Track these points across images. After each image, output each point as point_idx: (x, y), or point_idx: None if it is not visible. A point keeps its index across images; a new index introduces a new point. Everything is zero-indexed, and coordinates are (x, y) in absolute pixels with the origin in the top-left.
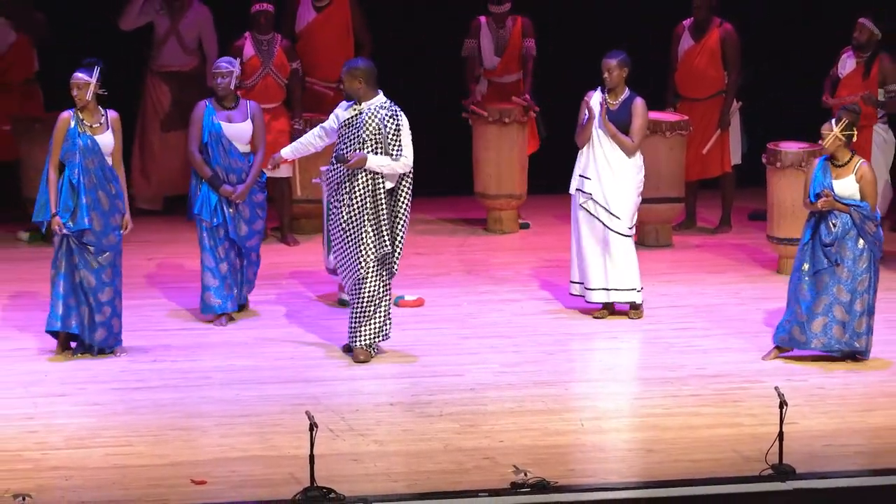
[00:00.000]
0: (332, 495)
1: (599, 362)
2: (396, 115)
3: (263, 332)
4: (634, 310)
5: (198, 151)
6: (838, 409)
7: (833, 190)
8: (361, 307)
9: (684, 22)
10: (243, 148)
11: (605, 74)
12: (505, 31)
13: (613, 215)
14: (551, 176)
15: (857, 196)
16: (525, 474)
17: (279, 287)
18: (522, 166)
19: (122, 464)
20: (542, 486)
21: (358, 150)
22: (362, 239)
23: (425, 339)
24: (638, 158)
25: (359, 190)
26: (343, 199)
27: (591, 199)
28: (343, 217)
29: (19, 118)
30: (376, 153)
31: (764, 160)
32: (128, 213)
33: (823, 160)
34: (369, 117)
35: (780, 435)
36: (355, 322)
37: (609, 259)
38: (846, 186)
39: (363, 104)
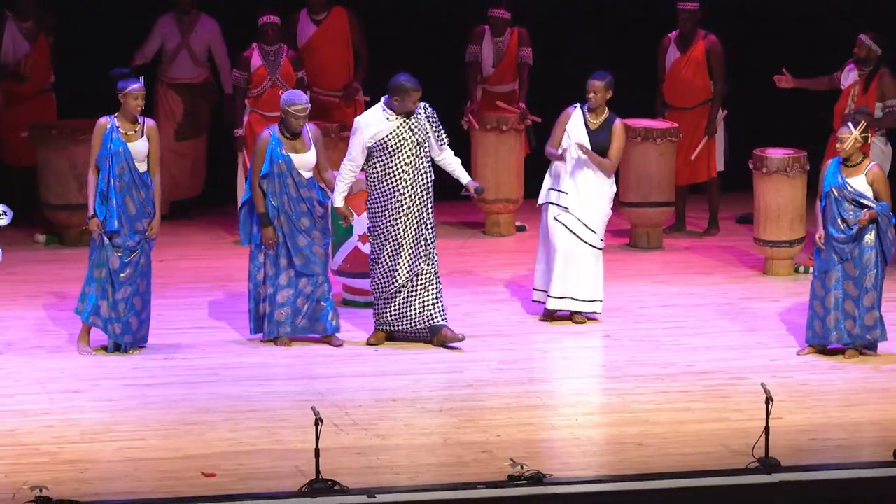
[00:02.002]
0: (337, 487)
1: (592, 360)
2: (430, 109)
3: None
4: (577, 314)
5: (259, 185)
6: (821, 405)
7: (847, 188)
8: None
9: (670, 34)
10: (308, 174)
11: (591, 94)
12: (502, 41)
13: (589, 228)
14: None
15: (869, 194)
16: (521, 467)
17: None
18: (519, 172)
19: (135, 457)
20: (537, 479)
21: (417, 153)
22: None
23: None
24: (608, 176)
25: (430, 188)
26: (427, 201)
27: (567, 212)
28: (430, 209)
29: (37, 125)
30: (425, 148)
31: (751, 165)
32: (157, 218)
33: (837, 161)
34: (416, 124)
35: (766, 429)
36: (440, 300)
37: (577, 271)
38: (857, 185)
39: (417, 111)
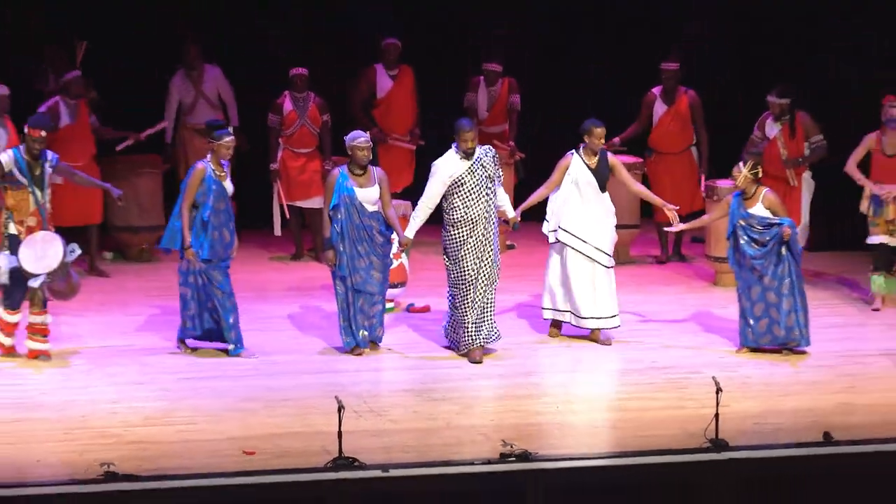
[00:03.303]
0: (357, 464)
1: (572, 357)
2: (493, 151)
3: (300, 332)
4: (597, 331)
5: (328, 213)
6: (762, 395)
7: (751, 217)
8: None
9: (654, 90)
10: (371, 208)
11: (596, 140)
12: (495, 89)
13: (603, 252)
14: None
15: (769, 216)
16: (511, 447)
17: (312, 296)
18: (510, 198)
19: (188, 438)
20: (525, 457)
21: (487, 192)
22: None
23: (431, 338)
24: (611, 205)
25: (496, 218)
26: (495, 229)
27: (582, 241)
28: (495, 237)
29: (105, 160)
30: (495, 183)
31: (704, 194)
32: (236, 242)
33: (737, 196)
34: (485, 162)
35: (717, 415)
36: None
37: (596, 290)
38: (757, 212)
39: (479, 153)
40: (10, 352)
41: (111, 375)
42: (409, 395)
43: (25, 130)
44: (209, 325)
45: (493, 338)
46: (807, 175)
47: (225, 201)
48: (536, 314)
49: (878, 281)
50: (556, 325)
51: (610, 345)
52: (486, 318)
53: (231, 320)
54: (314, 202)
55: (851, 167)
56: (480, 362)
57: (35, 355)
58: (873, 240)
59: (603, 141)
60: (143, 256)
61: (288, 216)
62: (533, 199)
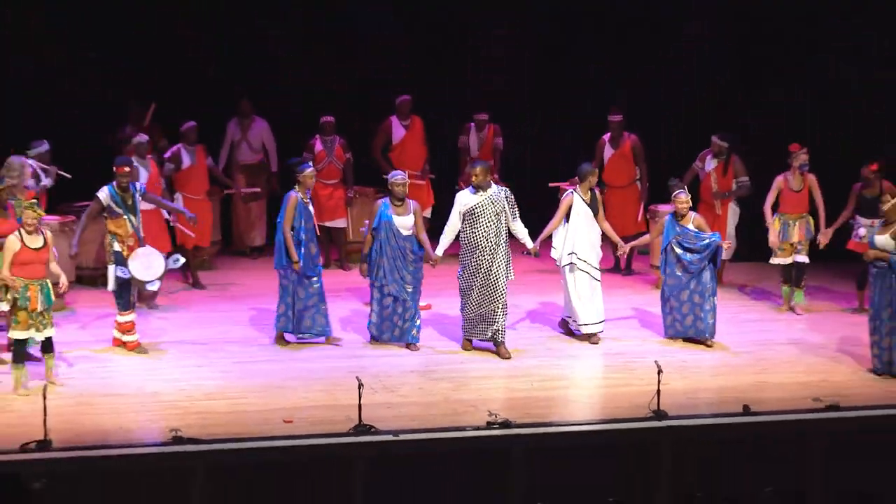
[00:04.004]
0: (373, 429)
1: (546, 345)
2: (508, 191)
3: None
4: (595, 335)
5: (369, 233)
6: (695, 376)
7: (689, 232)
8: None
9: (604, 136)
10: (406, 232)
11: (592, 178)
12: (483, 134)
13: (597, 269)
14: None
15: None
16: (496, 416)
17: (339, 297)
18: None
19: (240, 410)
20: (506, 424)
21: (496, 224)
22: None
23: (433, 331)
24: (599, 230)
25: (504, 245)
26: (500, 254)
27: (585, 262)
28: (502, 259)
29: (212, 191)
30: (502, 218)
31: (647, 217)
32: (321, 255)
33: (671, 217)
34: (496, 199)
35: (658, 392)
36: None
37: (595, 300)
38: (690, 228)
39: (488, 191)
40: (136, 347)
41: (180, 360)
42: (414, 375)
43: (114, 169)
44: (301, 321)
45: (501, 337)
46: (733, 205)
47: (311, 221)
48: (519, 313)
49: (786, 291)
50: (565, 326)
51: (597, 343)
52: (485, 319)
53: (323, 315)
54: (339, 223)
55: (766, 208)
56: (468, 351)
57: (133, 346)
58: (777, 261)
59: (596, 180)
60: (204, 265)
61: (318, 233)
62: (547, 231)
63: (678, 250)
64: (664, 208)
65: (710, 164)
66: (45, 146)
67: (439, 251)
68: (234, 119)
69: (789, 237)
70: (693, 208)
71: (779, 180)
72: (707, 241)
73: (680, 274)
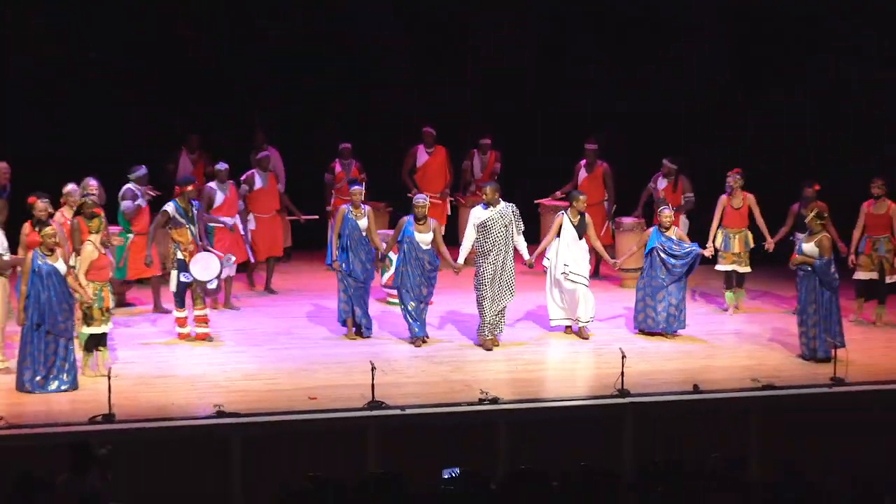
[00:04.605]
0: (383, 405)
1: (529, 334)
2: (515, 207)
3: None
4: (583, 328)
5: (393, 245)
6: (653, 360)
7: (673, 241)
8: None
9: (580, 162)
10: (425, 246)
11: (581, 204)
12: (486, 157)
13: (584, 277)
14: None
15: (679, 241)
16: (487, 394)
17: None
18: None
19: (272, 389)
20: (494, 400)
21: (504, 234)
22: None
23: (434, 322)
24: (587, 246)
25: (510, 253)
26: (508, 259)
27: (572, 271)
28: (509, 264)
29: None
30: (510, 229)
31: (613, 226)
32: (377, 258)
33: (656, 228)
34: (504, 213)
35: (622, 373)
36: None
37: (578, 302)
38: (674, 238)
39: (497, 206)
40: (185, 337)
41: (224, 348)
42: (418, 360)
43: (178, 188)
44: (353, 314)
45: (498, 332)
46: (683, 217)
47: (358, 232)
48: (512, 310)
49: (728, 294)
50: (567, 328)
51: (587, 338)
52: (502, 316)
53: (366, 311)
54: None
55: (713, 226)
56: (490, 350)
57: (203, 337)
58: (720, 267)
59: (585, 205)
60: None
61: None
62: (542, 247)
63: (663, 255)
64: (627, 220)
65: (662, 183)
66: (142, 170)
67: (460, 259)
68: (253, 152)
69: (731, 248)
70: (649, 222)
71: (722, 199)
72: (689, 249)
73: (663, 277)
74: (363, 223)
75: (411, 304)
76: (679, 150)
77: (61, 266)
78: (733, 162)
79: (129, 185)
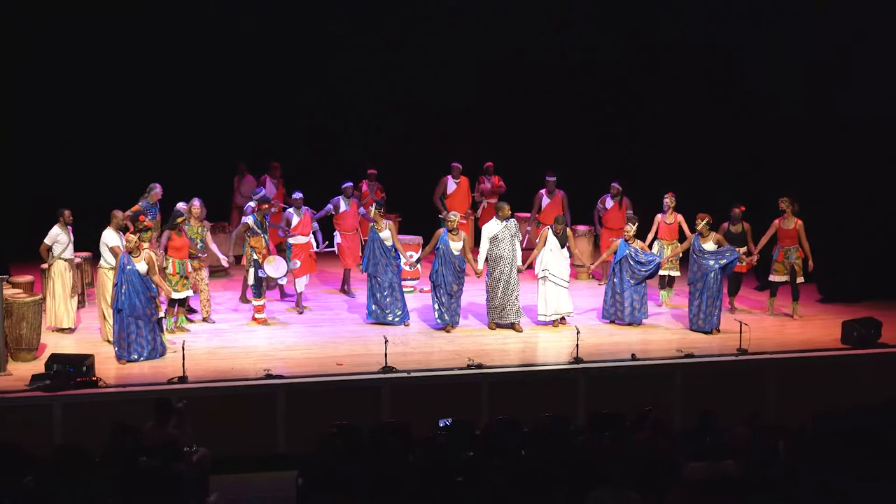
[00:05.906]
0: (394, 369)
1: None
2: (514, 221)
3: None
4: (562, 319)
5: (430, 251)
6: (603, 336)
7: (638, 251)
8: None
9: (542, 190)
10: (456, 253)
11: (559, 226)
12: (491, 180)
13: (565, 280)
14: None
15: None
16: (473, 361)
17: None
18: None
19: (307, 356)
20: (480, 366)
21: (510, 244)
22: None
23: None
24: (568, 254)
25: (517, 259)
26: (514, 264)
27: (554, 275)
28: (515, 268)
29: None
30: (515, 240)
31: (569, 233)
32: (402, 263)
33: (623, 240)
34: (510, 227)
35: (577, 345)
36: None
37: (563, 299)
38: (638, 248)
39: (506, 221)
40: (262, 322)
41: (273, 328)
42: (421, 335)
43: (258, 205)
44: (385, 308)
45: (511, 320)
46: (630, 228)
47: (379, 241)
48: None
49: (662, 293)
50: (555, 322)
51: (560, 325)
52: (505, 307)
53: (402, 304)
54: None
55: (649, 237)
56: (492, 329)
57: (262, 321)
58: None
59: (562, 226)
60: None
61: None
62: (533, 256)
63: (632, 262)
64: (581, 228)
65: (609, 203)
66: (262, 191)
67: (479, 266)
68: (265, 176)
69: (663, 255)
70: (597, 236)
71: (658, 217)
72: (652, 258)
73: (629, 279)
74: (385, 234)
75: (445, 297)
76: (624, 175)
77: (142, 266)
78: (670, 186)
79: (251, 204)
